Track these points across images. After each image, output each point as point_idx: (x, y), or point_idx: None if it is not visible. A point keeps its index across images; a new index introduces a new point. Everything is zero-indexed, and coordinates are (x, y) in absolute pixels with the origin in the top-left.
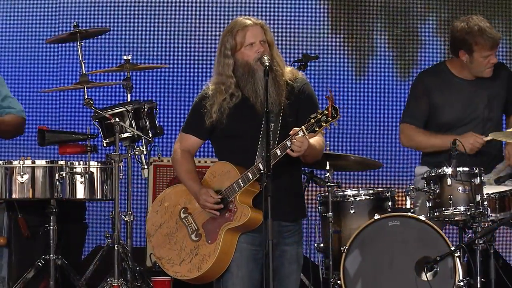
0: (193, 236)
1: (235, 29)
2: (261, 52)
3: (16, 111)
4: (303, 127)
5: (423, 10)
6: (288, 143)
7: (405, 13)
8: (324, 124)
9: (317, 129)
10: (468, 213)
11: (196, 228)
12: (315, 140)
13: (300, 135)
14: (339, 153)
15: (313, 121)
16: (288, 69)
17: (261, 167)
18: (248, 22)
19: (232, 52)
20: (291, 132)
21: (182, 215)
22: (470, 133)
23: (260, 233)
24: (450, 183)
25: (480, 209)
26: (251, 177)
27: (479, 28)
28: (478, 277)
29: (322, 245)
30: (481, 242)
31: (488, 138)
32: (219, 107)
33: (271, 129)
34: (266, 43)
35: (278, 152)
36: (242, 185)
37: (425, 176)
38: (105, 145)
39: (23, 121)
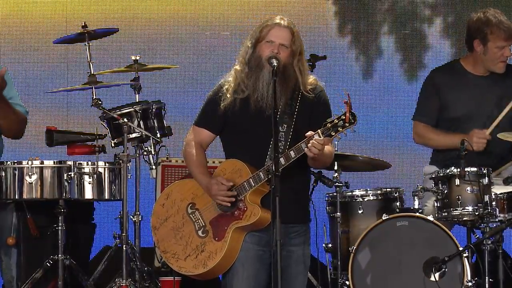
0: (199, 232)
1: (266, 22)
2: (275, 53)
3: (23, 110)
4: (319, 130)
5: (429, 13)
6: (303, 146)
7: (411, 15)
8: (341, 129)
9: (333, 133)
10: (476, 213)
11: (203, 224)
12: (326, 148)
13: (319, 139)
14: (347, 153)
15: (329, 125)
16: (310, 79)
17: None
18: (279, 21)
19: (255, 43)
20: (307, 134)
21: (189, 211)
22: (473, 130)
23: (266, 233)
24: (458, 184)
25: (488, 209)
26: (262, 177)
27: (495, 18)
28: (487, 277)
29: (330, 245)
30: (489, 242)
31: (490, 129)
32: (234, 89)
33: (284, 130)
34: (288, 49)
35: (292, 154)
36: (253, 184)
37: (433, 176)
38: (113, 145)
39: (26, 120)
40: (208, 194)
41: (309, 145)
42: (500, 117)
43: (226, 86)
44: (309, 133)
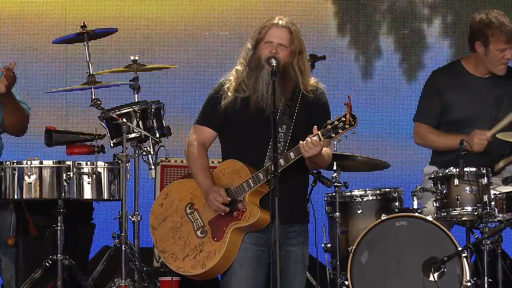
0: (198, 233)
1: (265, 23)
2: (273, 54)
3: (26, 106)
4: (319, 132)
5: (429, 12)
6: None
7: (411, 15)
8: (341, 131)
9: (333, 135)
10: (475, 213)
11: (202, 224)
12: (324, 150)
13: (315, 139)
14: (346, 153)
15: (329, 127)
16: (312, 81)
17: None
18: (277, 21)
19: (255, 44)
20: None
21: (188, 211)
22: (474, 131)
23: (264, 233)
24: (457, 184)
25: (487, 209)
26: (262, 178)
27: (497, 20)
28: (486, 277)
29: (329, 245)
30: (488, 242)
31: (492, 132)
32: (235, 88)
33: (283, 131)
34: (287, 49)
35: (292, 155)
36: (252, 185)
37: (432, 176)
38: (112, 145)
39: (29, 117)
40: (205, 198)
41: (303, 143)
42: (503, 123)
43: (227, 85)
44: (314, 129)
